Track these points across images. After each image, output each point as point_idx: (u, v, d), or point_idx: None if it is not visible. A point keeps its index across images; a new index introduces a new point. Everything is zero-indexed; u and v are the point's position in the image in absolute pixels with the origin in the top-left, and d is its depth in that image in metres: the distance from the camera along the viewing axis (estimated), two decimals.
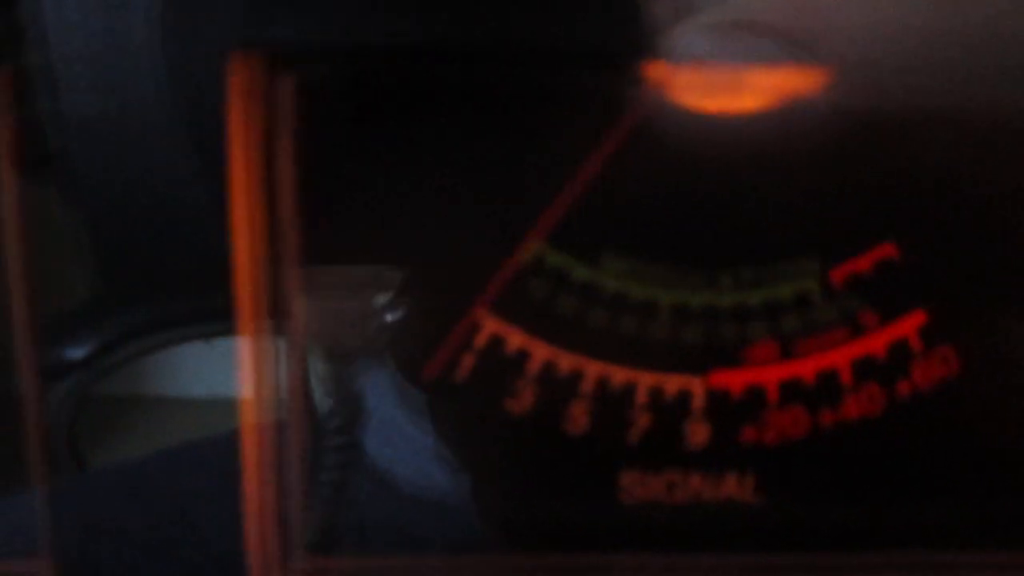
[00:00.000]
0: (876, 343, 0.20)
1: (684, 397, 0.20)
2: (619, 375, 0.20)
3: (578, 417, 0.20)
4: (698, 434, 0.20)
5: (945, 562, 0.20)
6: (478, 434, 0.21)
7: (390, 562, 0.21)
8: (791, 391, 0.20)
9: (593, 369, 0.20)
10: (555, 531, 0.21)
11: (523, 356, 0.20)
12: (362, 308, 0.20)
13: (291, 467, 0.20)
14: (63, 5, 0.18)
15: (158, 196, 0.19)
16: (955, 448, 0.21)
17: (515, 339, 0.20)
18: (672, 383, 0.20)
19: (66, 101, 0.18)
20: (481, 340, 0.19)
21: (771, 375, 0.20)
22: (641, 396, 0.20)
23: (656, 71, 0.17)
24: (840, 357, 0.20)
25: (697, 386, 0.20)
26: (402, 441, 0.42)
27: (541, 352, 0.20)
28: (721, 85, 0.17)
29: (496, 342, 0.20)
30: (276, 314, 0.19)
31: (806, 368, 0.20)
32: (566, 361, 0.20)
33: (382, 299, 0.20)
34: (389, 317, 0.20)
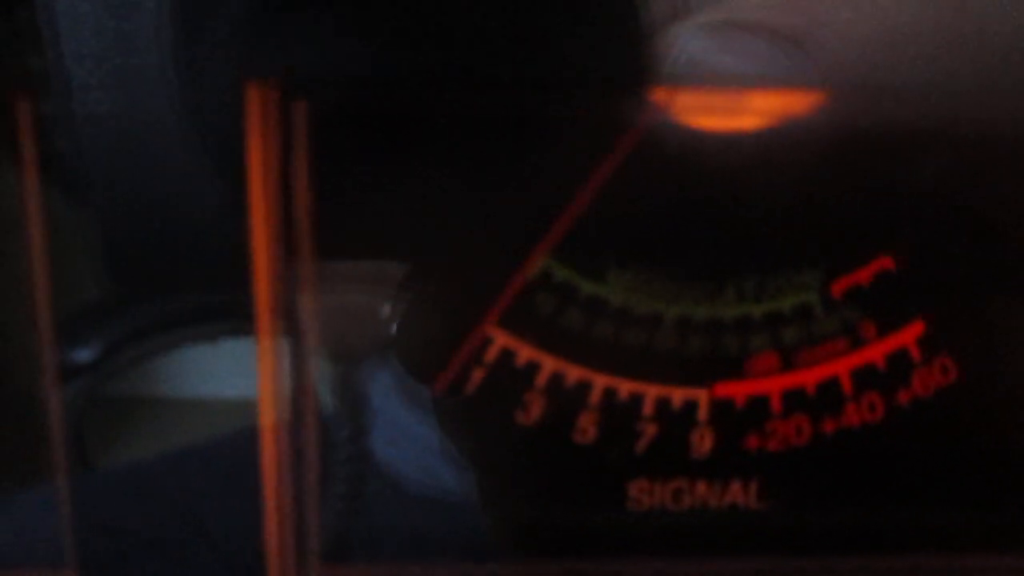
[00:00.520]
0: (876, 353, 0.20)
1: (689, 407, 0.20)
2: (626, 386, 0.20)
3: (586, 427, 0.20)
4: (704, 443, 0.21)
5: (946, 566, 0.21)
6: (488, 445, 0.21)
7: (404, 570, 0.21)
8: (793, 400, 0.20)
9: (600, 380, 0.20)
10: (564, 538, 0.22)
11: (532, 369, 0.20)
12: (369, 310, 0.21)
13: (306, 473, 0.21)
14: (75, 5, 0.18)
15: (168, 195, 0.19)
16: (955, 454, 0.21)
17: (524, 352, 0.20)
18: (678, 394, 0.20)
19: (77, 100, 0.19)
20: (491, 354, 0.20)
21: (774, 385, 0.20)
22: (648, 407, 0.20)
23: (658, 92, 0.18)
24: (841, 367, 0.20)
25: (702, 396, 0.20)
26: (408, 441, 0.42)
27: (549, 365, 0.20)
28: (722, 106, 0.18)
29: (506, 356, 0.20)
30: (285, 316, 0.19)
31: (808, 378, 0.20)
32: (574, 373, 0.20)
33: (389, 302, 0.21)
34: (397, 320, 0.21)
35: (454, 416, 0.21)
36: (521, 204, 0.19)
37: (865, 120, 0.18)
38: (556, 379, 0.20)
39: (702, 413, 0.20)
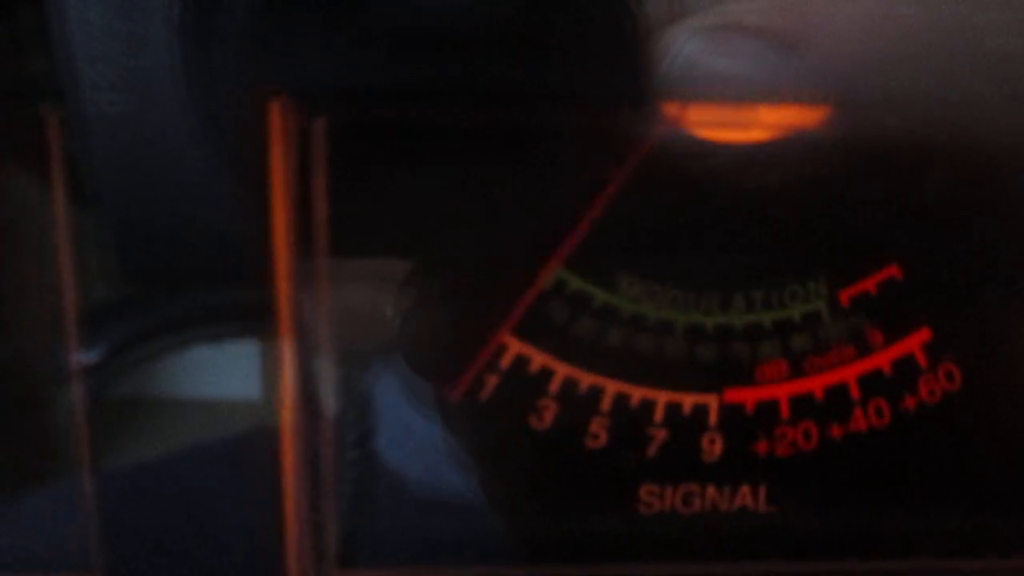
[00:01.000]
0: (883, 360, 0.21)
1: (700, 413, 0.21)
2: (637, 393, 0.21)
3: (598, 432, 0.21)
4: (714, 448, 0.21)
5: (952, 569, 0.21)
6: (502, 450, 0.22)
7: (416, 574, 0.22)
8: (802, 406, 0.21)
9: (612, 387, 0.21)
10: (576, 542, 0.22)
11: (545, 376, 0.21)
12: (377, 311, 0.21)
13: (322, 476, 0.21)
14: (86, 7, 0.18)
15: (180, 194, 0.20)
16: (961, 458, 0.22)
17: (538, 360, 0.20)
18: (688, 400, 0.21)
19: (87, 100, 0.19)
20: (506, 361, 0.20)
21: (782, 391, 0.21)
22: (659, 412, 0.21)
23: (669, 106, 0.18)
24: (848, 373, 0.21)
25: (712, 402, 0.21)
26: (412, 442, 0.42)
27: (562, 372, 0.21)
28: (731, 120, 0.18)
29: (520, 363, 0.20)
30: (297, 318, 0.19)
31: (816, 384, 0.21)
32: (586, 380, 0.21)
33: (397, 305, 0.21)
34: (407, 324, 0.21)
35: (468, 422, 0.22)
36: (535, 215, 0.20)
37: (871, 133, 0.19)
38: (569, 386, 0.21)
39: (712, 418, 0.21)
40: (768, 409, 0.21)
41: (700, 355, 0.21)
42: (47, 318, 0.22)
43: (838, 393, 0.21)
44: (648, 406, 0.21)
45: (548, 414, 0.21)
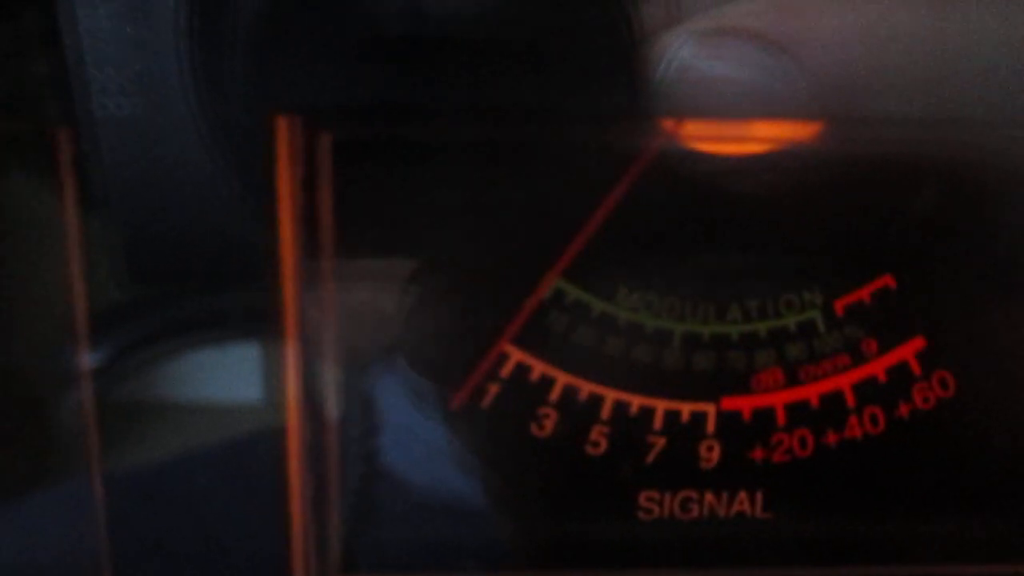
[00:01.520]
0: (877, 368, 0.21)
1: (698, 421, 0.21)
2: (636, 401, 0.21)
3: (598, 440, 0.21)
4: (711, 455, 0.21)
5: (947, 574, 0.21)
6: (503, 456, 0.22)
7: None
8: (798, 413, 0.21)
9: (611, 395, 0.21)
10: (576, 547, 0.22)
11: (546, 384, 0.21)
12: (379, 314, 0.21)
13: (327, 481, 0.21)
14: (95, 12, 0.19)
15: (188, 196, 0.20)
16: (955, 464, 0.22)
17: (538, 368, 0.21)
18: (686, 408, 0.21)
19: (95, 104, 0.19)
20: (506, 370, 0.21)
21: (778, 399, 0.21)
22: (657, 420, 0.21)
23: (665, 121, 0.19)
24: (843, 381, 0.21)
25: (709, 410, 0.21)
26: (415, 446, 0.42)
27: (562, 380, 0.21)
28: (726, 134, 0.19)
29: (520, 372, 0.21)
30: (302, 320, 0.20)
31: (811, 392, 0.21)
32: (586, 388, 0.21)
33: (401, 308, 0.21)
34: (411, 331, 0.21)
35: (470, 429, 0.22)
36: (534, 227, 0.20)
37: (865, 146, 0.19)
38: (569, 394, 0.21)
39: (710, 426, 0.21)
40: (764, 417, 0.21)
41: (697, 364, 0.21)
42: (52, 321, 0.22)
43: (833, 401, 0.21)
44: (647, 414, 0.21)
45: (549, 422, 0.21)
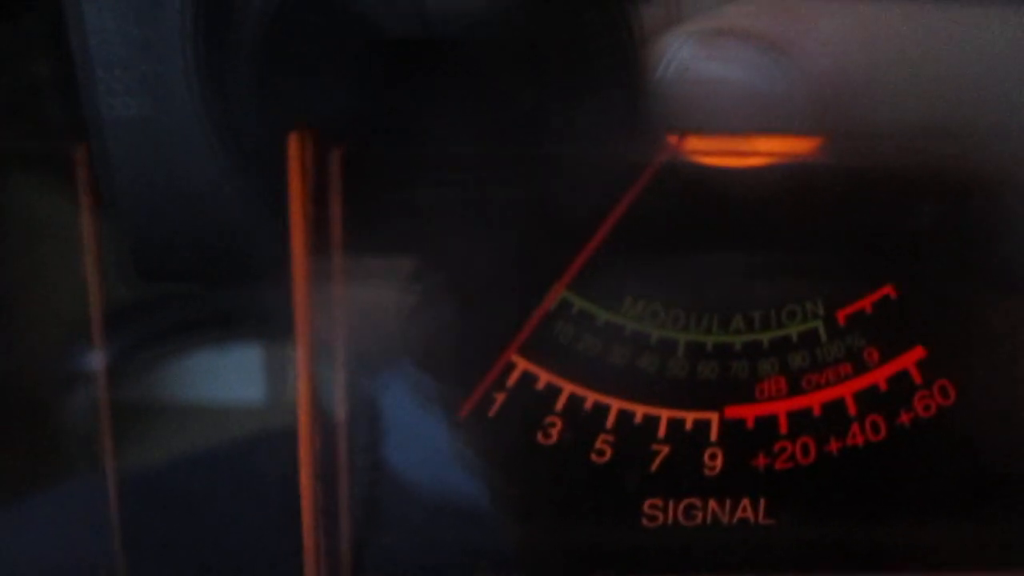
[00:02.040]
0: (879, 376, 0.21)
1: (702, 429, 0.21)
2: (641, 410, 0.21)
3: (603, 449, 0.21)
4: (715, 462, 0.22)
5: None
6: (509, 464, 0.22)
7: None
8: (800, 421, 0.21)
9: (616, 404, 0.21)
10: (581, 554, 0.23)
11: (552, 393, 0.21)
12: (387, 322, 0.22)
13: (333, 485, 0.22)
14: (102, 13, 0.19)
15: (192, 197, 0.20)
16: (955, 471, 0.22)
17: (544, 378, 0.21)
18: (690, 416, 0.21)
19: (103, 104, 0.19)
20: (513, 379, 0.21)
21: (781, 407, 0.21)
22: (662, 429, 0.21)
23: (671, 135, 0.19)
24: (845, 390, 0.21)
25: (713, 419, 0.21)
26: (419, 447, 0.42)
27: (568, 389, 0.21)
28: (730, 148, 0.19)
29: (526, 381, 0.21)
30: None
31: (814, 400, 0.21)
32: (591, 397, 0.21)
33: (409, 312, 0.22)
34: (419, 334, 0.22)
35: (477, 437, 0.22)
36: (541, 240, 0.20)
37: (866, 160, 0.19)
38: (574, 403, 0.21)
39: (713, 434, 0.21)
40: (767, 425, 0.21)
41: (701, 373, 0.21)
42: (60, 322, 0.22)
43: (835, 409, 0.21)
44: (651, 422, 0.21)
45: (554, 430, 0.21)
